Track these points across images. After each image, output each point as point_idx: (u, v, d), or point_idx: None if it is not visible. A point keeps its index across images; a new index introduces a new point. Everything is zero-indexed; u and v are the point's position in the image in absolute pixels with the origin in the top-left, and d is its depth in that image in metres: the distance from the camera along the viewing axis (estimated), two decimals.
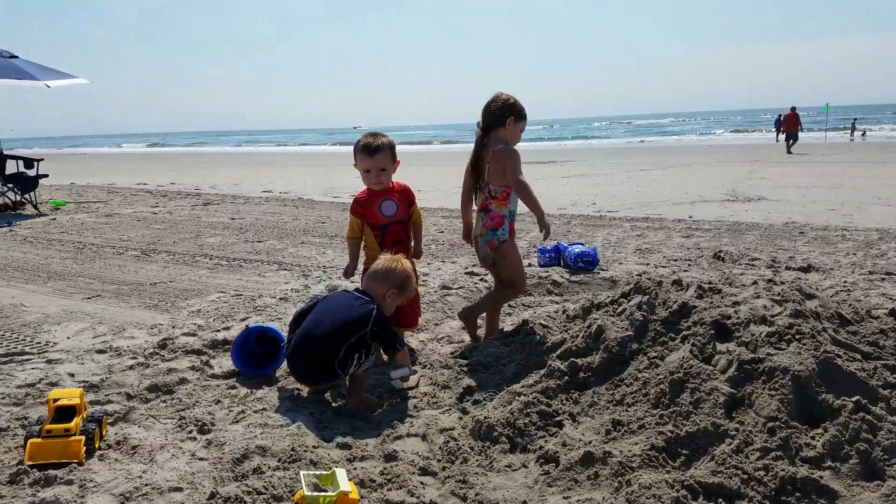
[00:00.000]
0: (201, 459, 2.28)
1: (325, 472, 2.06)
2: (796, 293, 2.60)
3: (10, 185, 9.92)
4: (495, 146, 3.29)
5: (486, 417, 2.44)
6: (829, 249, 5.92)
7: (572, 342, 2.73)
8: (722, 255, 5.61)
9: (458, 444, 2.35)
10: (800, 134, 23.47)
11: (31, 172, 10.28)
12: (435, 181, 14.78)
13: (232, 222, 8.50)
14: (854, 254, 5.68)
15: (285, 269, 5.54)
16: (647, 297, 2.79)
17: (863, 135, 35.92)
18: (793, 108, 23.36)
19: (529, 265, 5.42)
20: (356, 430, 2.58)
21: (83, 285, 5.04)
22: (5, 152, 10.33)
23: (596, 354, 2.59)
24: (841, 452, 1.95)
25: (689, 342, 2.44)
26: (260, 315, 4.09)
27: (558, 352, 2.74)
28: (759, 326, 2.42)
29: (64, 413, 2.31)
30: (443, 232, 7.43)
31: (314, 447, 2.34)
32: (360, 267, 3.32)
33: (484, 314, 3.54)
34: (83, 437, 2.27)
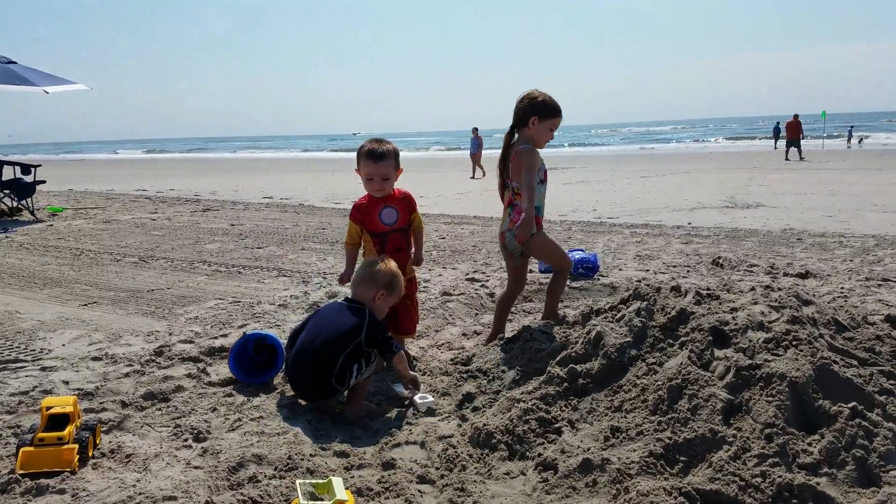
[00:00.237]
0: (196, 468, 2.26)
1: (321, 481, 2.05)
2: (793, 299, 2.60)
3: (7, 191, 9.92)
4: (520, 145, 3.31)
5: (484, 424, 2.43)
6: (827, 256, 5.93)
7: (572, 348, 2.73)
8: (720, 261, 5.62)
9: (456, 452, 2.34)
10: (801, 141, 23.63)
11: (29, 178, 10.28)
12: (437, 187, 14.81)
13: (231, 228, 8.49)
14: (851, 260, 5.69)
15: (285, 276, 5.53)
16: (645, 303, 2.78)
17: (860, 142, 36.06)
18: (795, 116, 23.54)
19: (531, 271, 5.42)
20: (354, 437, 2.56)
21: (80, 292, 5.03)
22: (2, 158, 10.35)
23: (595, 361, 2.59)
24: (837, 459, 1.94)
25: (687, 348, 2.44)
26: (258, 322, 4.08)
27: (558, 358, 2.73)
28: (756, 333, 2.41)
29: (57, 421, 2.30)
30: (444, 238, 7.43)
31: (311, 455, 2.33)
32: None
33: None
34: (76, 446, 2.25)
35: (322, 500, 1.96)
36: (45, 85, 10.21)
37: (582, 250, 5.56)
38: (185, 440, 2.48)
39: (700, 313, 2.61)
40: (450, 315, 4.25)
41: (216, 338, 3.71)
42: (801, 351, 2.27)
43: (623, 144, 49.29)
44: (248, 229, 8.39)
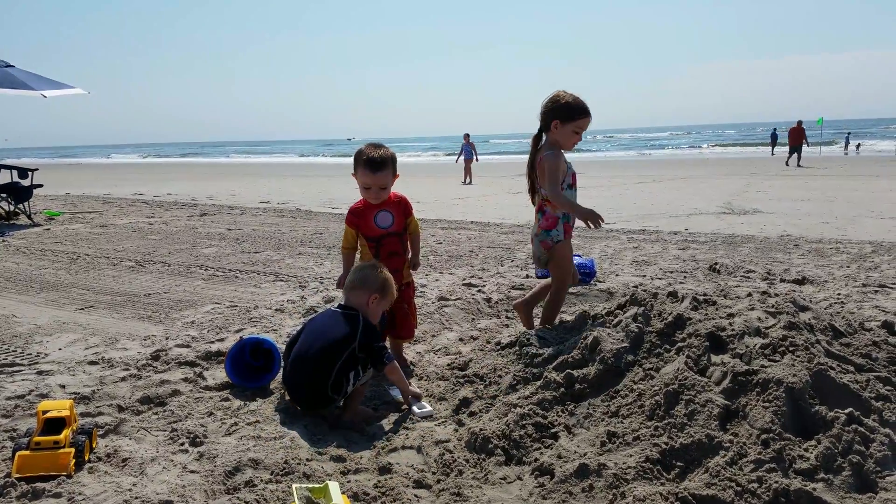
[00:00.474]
0: (193, 472, 2.26)
1: (317, 486, 2.05)
2: (790, 305, 2.61)
3: (4, 195, 9.90)
4: (545, 150, 3.26)
5: (481, 429, 2.43)
6: (824, 262, 5.95)
7: (568, 354, 2.73)
8: (717, 267, 5.63)
9: (453, 457, 2.34)
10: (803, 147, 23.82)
11: (26, 182, 10.27)
12: (434, 192, 14.82)
13: (228, 233, 8.49)
14: (848, 266, 5.70)
15: (282, 281, 5.52)
16: (642, 308, 2.79)
17: (857, 148, 36.24)
18: (799, 122, 23.73)
19: (527, 276, 5.42)
20: (351, 442, 2.56)
21: (76, 296, 5.02)
22: None
23: (592, 366, 2.59)
24: (834, 464, 1.94)
25: (683, 354, 2.44)
26: (255, 326, 4.08)
27: (554, 363, 2.73)
28: (753, 338, 2.42)
29: (53, 425, 2.29)
30: (441, 243, 7.44)
31: (307, 460, 2.32)
32: None
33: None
34: (72, 450, 2.24)
35: None
36: (43, 89, 10.21)
37: (579, 256, 5.56)
38: (182, 444, 2.47)
39: (697, 319, 2.62)
40: (447, 320, 4.25)
41: (213, 342, 3.70)
42: (798, 357, 2.28)
43: (620, 150, 49.47)
44: (246, 234, 8.39)
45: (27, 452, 2.21)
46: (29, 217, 9.72)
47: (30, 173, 10.43)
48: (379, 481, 2.20)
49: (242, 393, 2.98)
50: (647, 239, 7.52)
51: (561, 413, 2.47)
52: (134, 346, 3.67)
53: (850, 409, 2.08)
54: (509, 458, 2.32)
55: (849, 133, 40.28)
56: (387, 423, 2.73)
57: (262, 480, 2.16)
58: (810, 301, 3.18)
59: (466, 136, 20.13)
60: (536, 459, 2.25)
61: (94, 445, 2.42)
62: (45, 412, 2.32)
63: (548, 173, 3.22)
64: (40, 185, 10.72)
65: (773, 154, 32.39)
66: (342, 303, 2.94)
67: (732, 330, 2.49)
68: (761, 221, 9.00)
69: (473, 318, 4.33)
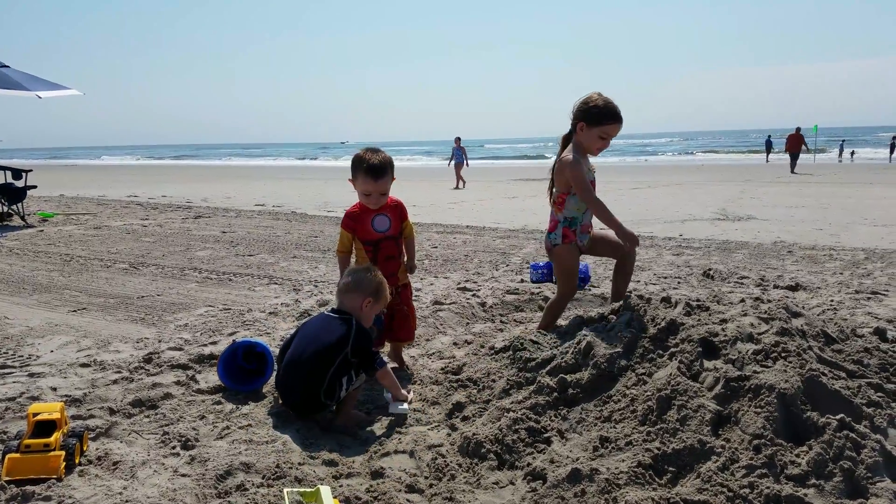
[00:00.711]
0: (184, 476, 2.25)
1: (309, 490, 2.04)
2: (783, 311, 2.62)
3: None
4: (568, 153, 3.23)
5: (474, 434, 2.43)
6: (817, 268, 5.98)
7: (562, 358, 2.73)
8: (711, 273, 5.65)
9: (445, 461, 2.34)
10: (801, 155, 23.99)
11: (20, 183, 10.22)
12: (429, 196, 14.83)
13: (223, 235, 8.47)
14: (841, 273, 5.73)
15: (276, 284, 5.51)
16: (636, 314, 2.80)
17: (851, 155, 36.46)
18: (797, 129, 23.91)
19: (522, 281, 5.43)
20: (343, 446, 2.55)
21: (69, 298, 4.99)
22: None
23: (585, 371, 2.59)
24: (825, 470, 1.95)
25: (676, 359, 2.45)
26: (248, 330, 4.06)
27: (548, 368, 2.73)
28: (745, 344, 2.43)
29: (44, 428, 2.27)
30: (436, 247, 7.44)
31: (299, 464, 2.31)
32: None
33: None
34: (63, 453, 2.22)
35: None
36: (38, 90, 10.17)
37: None
38: (173, 448, 2.46)
39: (690, 324, 2.62)
40: (441, 324, 4.25)
41: (206, 345, 3.69)
42: (790, 363, 2.29)
43: (615, 156, 49.63)
44: (240, 237, 8.37)
45: (17, 455, 2.19)
46: (22, 218, 9.67)
47: (24, 174, 10.38)
48: (371, 486, 2.19)
49: (235, 396, 2.96)
50: (642, 244, 7.53)
51: (554, 418, 2.47)
52: (126, 349, 3.65)
53: (842, 415, 2.09)
54: (502, 463, 2.32)
55: (843, 141, 40.54)
56: (379, 428, 2.72)
57: (253, 484, 2.15)
58: (803, 307, 3.20)
59: (458, 140, 19.94)
60: (529, 464, 2.25)
61: (84, 448, 2.40)
62: (35, 415, 2.30)
63: (574, 182, 3.19)
64: (34, 187, 10.67)
65: (767, 161, 32.56)
66: (335, 306, 2.94)
67: (725, 336, 2.49)
68: (755, 228, 9.04)
69: (468, 323, 4.33)
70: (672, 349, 2.53)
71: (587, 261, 6.25)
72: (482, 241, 7.98)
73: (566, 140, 3.33)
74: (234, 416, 2.74)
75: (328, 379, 2.63)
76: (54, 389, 3.00)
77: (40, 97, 10.25)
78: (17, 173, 10.39)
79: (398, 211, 3.32)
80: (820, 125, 30.10)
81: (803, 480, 1.93)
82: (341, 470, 2.31)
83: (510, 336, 3.62)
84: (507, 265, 6.25)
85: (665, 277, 5.61)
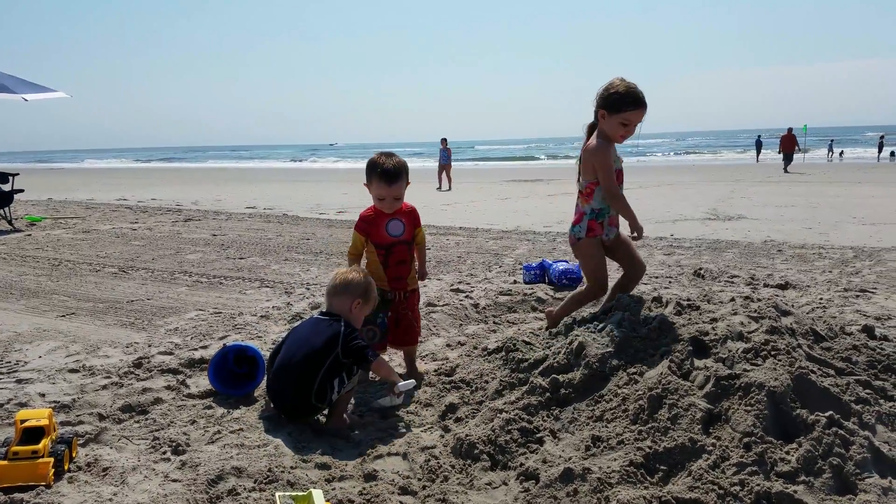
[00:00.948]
0: (175, 481, 2.23)
1: (301, 493, 2.03)
2: (772, 310, 2.63)
3: None
4: (593, 140, 3.13)
5: (467, 435, 2.43)
6: (806, 267, 6.02)
7: (554, 359, 2.74)
8: (702, 272, 5.68)
9: (438, 463, 2.33)
10: (794, 155, 24.24)
11: (6, 187, 10.12)
12: (421, 198, 14.80)
13: (213, 238, 8.42)
14: (830, 271, 5.78)
15: (267, 287, 5.49)
16: (627, 313, 2.81)
17: (840, 155, 36.78)
18: (789, 130, 24.17)
19: (515, 282, 5.43)
20: (336, 449, 2.54)
21: (57, 303, 4.95)
22: None
23: (577, 371, 2.60)
24: (814, 467, 1.96)
25: (667, 358, 2.46)
26: (239, 333, 4.04)
27: (540, 368, 2.74)
28: (735, 343, 2.44)
29: (31, 434, 2.25)
30: (429, 249, 7.43)
31: (292, 467, 2.30)
32: None
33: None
34: (51, 459, 2.20)
35: None
36: (24, 92, 10.09)
37: (566, 262, 5.59)
38: (164, 453, 2.44)
39: (680, 324, 2.64)
40: (434, 326, 4.24)
41: (196, 349, 3.66)
42: (780, 361, 2.30)
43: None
44: (231, 239, 8.33)
45: (5, 462, 2.17)
46: (10, 222, 9.57)
47: (10, 178, 10.28)
48: (364, 488, 2.18)
49: (226, 401, 2.95)
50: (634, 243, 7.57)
51: (546, 418, 2.47)
52: (116, 354, 3.63)
53: (831, 412, 2.11)
54: (495, 464, 2.32)
55: (832, 140, 40.88)
56: (372, 430, 2.71)
57: (245, 489, 2.14)
58: (792, 306, 3.22)
59: (444, 140, 19.89)
60: (522, 464, 2.25)
61: (73, 455, 2.38)
62: (23, 421, 2.28)
63: (599, 169, 3.08)
64: (21, 190, 10.57)
65: (757, 161, 32.78)
66: (324, 309, 2.93)
67: (715, 334, 2.51)
68: (746, 227, 9.10)
69: (461, 324, 4.33)
70: (663, 348, 2.54)
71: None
72: (475, 242, 7.98)
73: (591, 129, 3.21)
74: (226, 421, 2.73)
75: (318, 381, 2.62)
76: (43, 395, 2.97)
77: (26, 100, 10.16)
78: (4, 177, 10.29)
79: (412, 216, 3.31)
80: (809, 125, 30.36)
81: (793, 477, 1.95)
82: (334, 473, 2.31)
83: (503, 337, 3.63)
84: (500, 266, 6.26)
85: (656, 277, 5.63)
